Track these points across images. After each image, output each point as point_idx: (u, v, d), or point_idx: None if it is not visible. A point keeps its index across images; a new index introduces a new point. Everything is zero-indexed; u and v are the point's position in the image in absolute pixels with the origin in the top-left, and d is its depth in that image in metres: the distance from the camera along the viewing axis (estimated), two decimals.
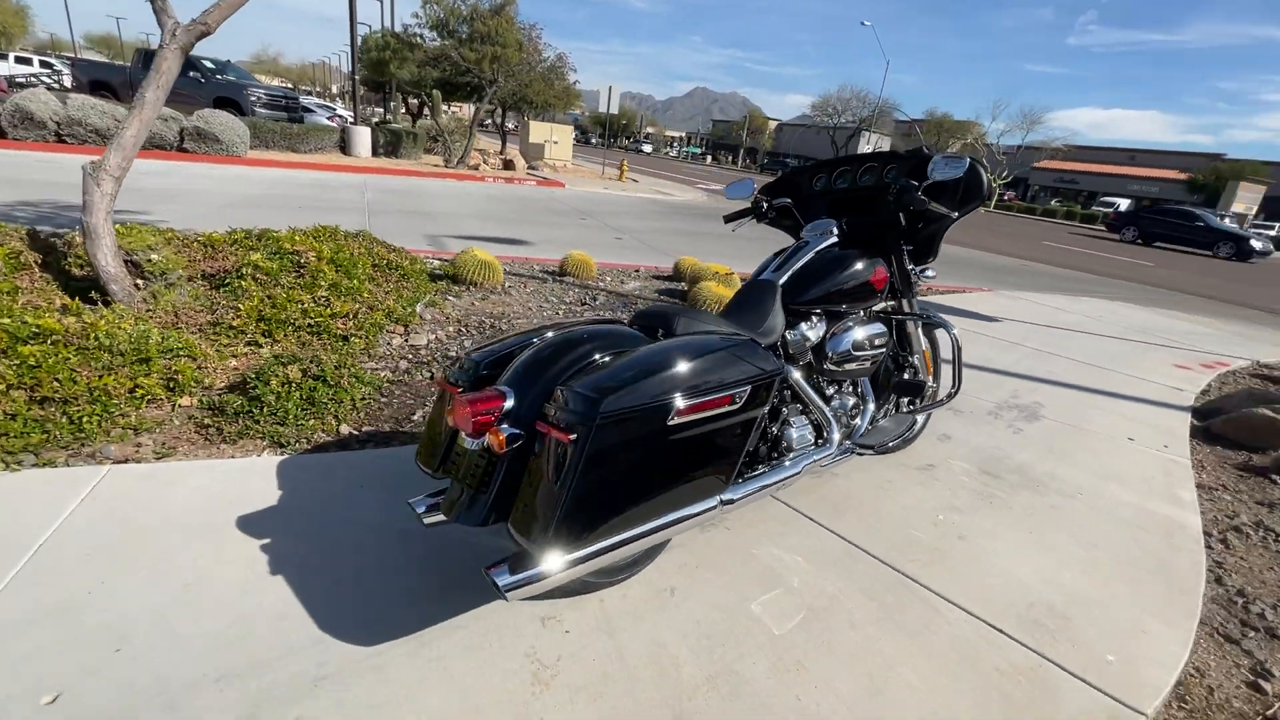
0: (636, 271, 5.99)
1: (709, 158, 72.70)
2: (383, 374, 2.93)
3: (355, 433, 2.43)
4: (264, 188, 8.72)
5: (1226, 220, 21.77)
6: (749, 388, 1.49)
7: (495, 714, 1.32)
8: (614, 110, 19.47)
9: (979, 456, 2.84)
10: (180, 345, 2.60)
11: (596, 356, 1.49)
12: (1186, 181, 41.99)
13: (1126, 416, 3.64)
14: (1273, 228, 28.38)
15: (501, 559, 1.34)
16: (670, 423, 1.34)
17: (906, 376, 2.46)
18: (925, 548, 2.10)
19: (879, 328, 2.20)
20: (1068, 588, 1.98)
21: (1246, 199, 32.09)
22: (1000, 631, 1.75)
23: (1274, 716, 1.64)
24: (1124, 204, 38.33)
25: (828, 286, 2.06)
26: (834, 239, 2.24)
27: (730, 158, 71.88)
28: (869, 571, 1.94)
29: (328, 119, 19.29)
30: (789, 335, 2.03)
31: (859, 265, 2.11)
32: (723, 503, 1.61)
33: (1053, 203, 43.86)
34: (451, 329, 3.66)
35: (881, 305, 2.38)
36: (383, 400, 2.71)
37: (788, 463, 1.91)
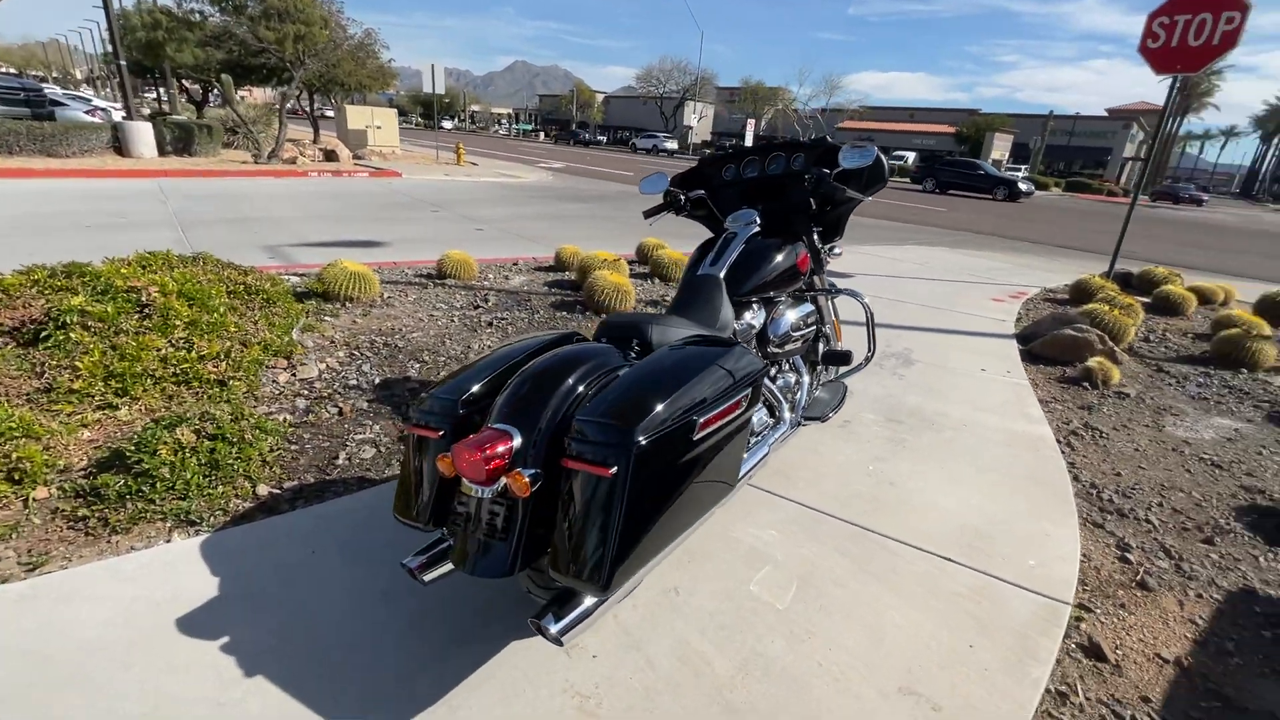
0: (516, 265, 5.81)
1: (542, 134, 71.12)
2: (282, 418, 2.60)
3: (277, 491, 2.15)
4: (28, 205, 7.12)
5: (997, 167, 25.97)
6: (750, 388, 1.55)
7: None
8: (439, 89, 18.36)
9: (881, 406, 3.20)
10: (12, 424, 2.10)
11: (591, 380, 1.46)
12: (955, 135, 49.03)
13: (973, 350, 4.28)
14: (1020, 170, 34.48)
15: (544, 607, 1.29)
16: (694, 437, 1.36)
17: (833, 347, 2.68)
18: (867, 499, 2.35)
19: (808, 307, 2.37)
20: (982, 510, 2.33)
21: (1001, 147, 38.32)
22: (949, 560, 2.02)
23: (1143, 580, 2.09)
24: (910, 156, 43.98)
25: (764, 275, 2.18)
26: (757, 228, 2.35)
27: (561, 134, 70.71)
28: (833, 530, 2.14)
29: (87, 113, 16.09)
30: (737, 326, 2.12)
31: (787, 251, 2.25)
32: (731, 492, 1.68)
33: None
34: (342, 354, 3.32)
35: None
36: (294, 448, 2.42)
37: (757, 446, 2.03)
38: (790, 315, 2.29)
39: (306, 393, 2.87)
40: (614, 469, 1.21)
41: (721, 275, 2.15)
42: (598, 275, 4.42)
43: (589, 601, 1.30)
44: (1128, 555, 2.22)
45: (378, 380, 3.07)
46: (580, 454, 1.25)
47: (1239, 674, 1.73)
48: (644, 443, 1.23)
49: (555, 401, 1.40)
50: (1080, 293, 5.92)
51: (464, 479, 1.35)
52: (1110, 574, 2.11)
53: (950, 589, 1.89)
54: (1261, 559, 2.26)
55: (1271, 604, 2.02)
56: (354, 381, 3.03)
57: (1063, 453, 2.90)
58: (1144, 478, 2.77)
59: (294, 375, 3.02)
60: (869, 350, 2.66)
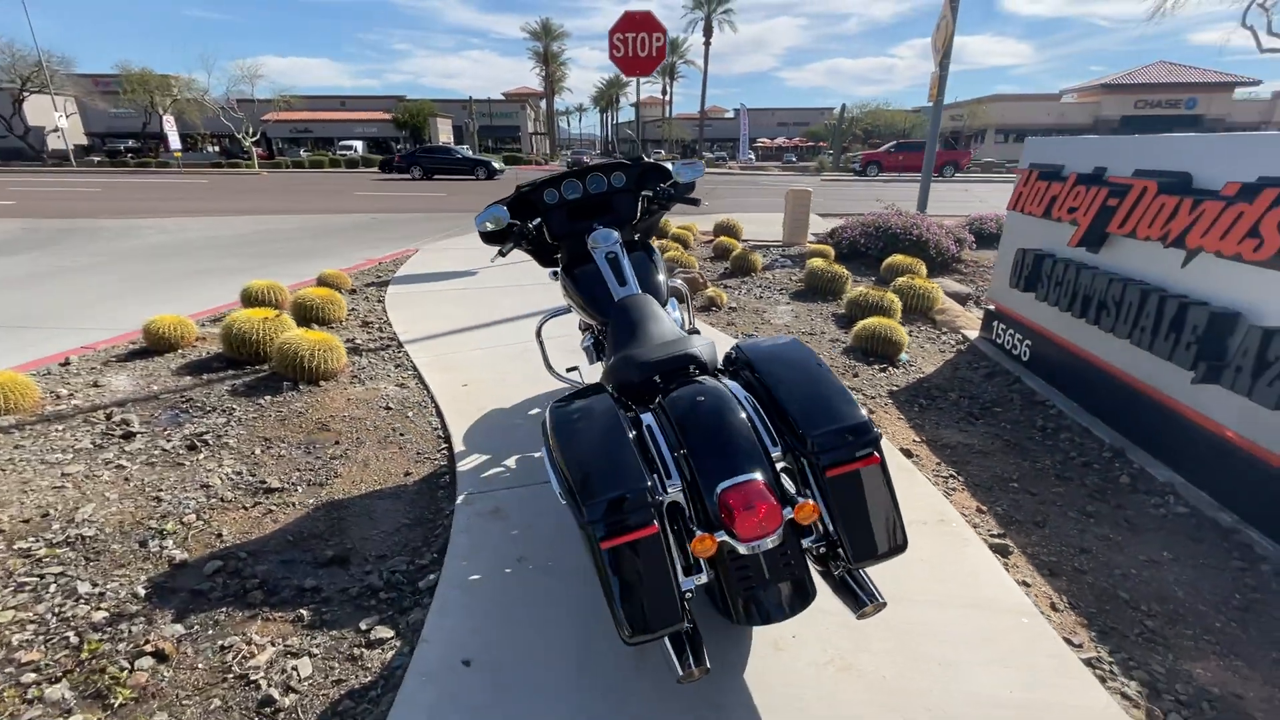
0: (87, 358, 3.89)
1: None
2: None
3: None
4: None
5: (468, 150, 28.44)
6: None
7: None
8: None
9: None
10: None
11: (732, 403, 1.60)
12: (394, 121, 50.81)
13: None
14: (464, 149, 38.83)
15: (852, 599, 1.50)
16: None
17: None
18: None
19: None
20: None
21: (445, 130, 42.03)
22: None
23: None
24: (359, 146, 43.79)
25: (663, 283, 2.50)
26: (620, 241, 2.59)
27: None
28: None
29: None
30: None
31: (658, 259, 2.60)
32: None
33: (301, 153, 45.58)
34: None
35: None
36: None
37: None
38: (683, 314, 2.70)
39: None
40: (878, 454, 1.50)
41: (641, 291, 2.37)
42: (291, 337, 3.55)
43: (870, 572, 1.57)
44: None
45: None
46: (842, 459, 1.47)
47: None
48: (874, 425, 1.57)
49: (746, 432, 1.53)
50: None
51: (740, 542, 1.39)
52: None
53: None
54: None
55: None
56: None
57: None
58: None
59: None
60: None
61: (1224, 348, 2.67)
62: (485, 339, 4.42)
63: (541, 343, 2.93)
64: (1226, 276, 2.72)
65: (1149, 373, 3.08)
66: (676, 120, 62.01)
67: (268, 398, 3.34)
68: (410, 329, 4.61)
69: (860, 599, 1.51)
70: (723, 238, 8.06)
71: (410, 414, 3.25)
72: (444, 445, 2.94)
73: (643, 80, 9.32)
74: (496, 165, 25.23)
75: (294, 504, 2.46)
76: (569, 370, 3.07)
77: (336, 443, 2.93)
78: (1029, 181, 4.26)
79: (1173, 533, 2.45)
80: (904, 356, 4.44)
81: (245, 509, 2.42)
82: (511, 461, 2.74)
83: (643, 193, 2.66)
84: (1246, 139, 2.92)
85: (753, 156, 44.58)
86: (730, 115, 67.37)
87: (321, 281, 5.58)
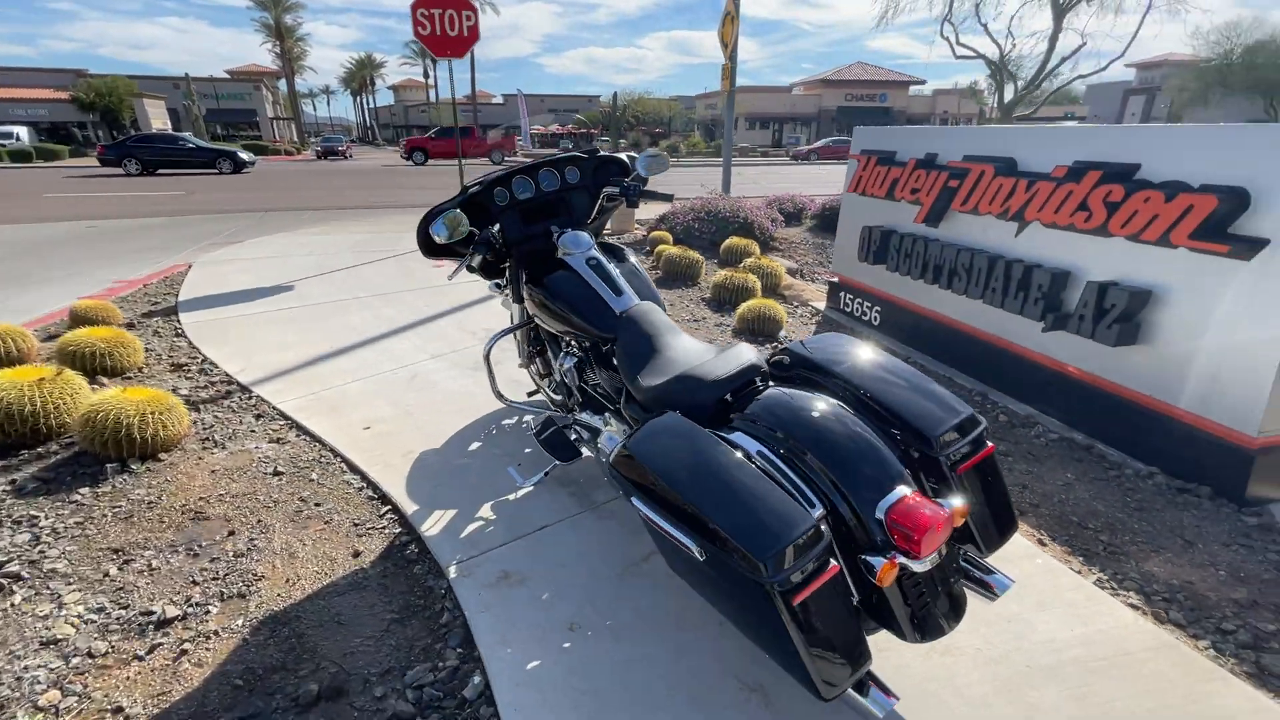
0: None
1: None
2: None
3: None
4: None
5: (194, 138, 23.18)
6: None
7: None
8: None
9: None
10: None
11: (855, 417, 1.52)
12: (74, 101, 40.10)
13: None
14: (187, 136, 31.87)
15: (983, 587, 1.52)
16: None
17: None
18: None
19: None
20: None
21: (157, 114, 34.24)
22: None
23: None
24: (20, 132, 33.91)
25: (654, 288, 2.28)
26: (595, 245, 2.30)
27: None
28: None
29: None
30: None
31: (635, 260, 2.37)
32: None
33: None
34: None
35: None
36: None
37: None
38: None
39: None
40: (991, 444, 1.53)
41: (640, 300, 2.15)
42: (104, 400, 2.57)
43: (987, 559, 1.60)
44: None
45: None
46: (966, 455, 1.47)
47: None
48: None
49: (877, 442, 1.45)
50: None
51: (916, 560, 1.31)
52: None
53: None
54: None
55: None
56: None
57: None
58: None
59: None
60: None
61: (1064, 301, 3.30)
62: (356, 367, 3.71)
63: (490, 366, 2.53)
64: (1057, 243, 3.34)
65: (1000, 327, 3.69)
66: (444, 105, 58.62)
67: (85, 490, 2.39)
68: (246, 367, 3.67)
69: (992, 585, 1.56)
70: None
71: (314, 476, 2.59)
72: (385, 508, 2.39)
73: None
74: (245, 156, 21.27)
75: (215, 632, 1.80)
76: (531, 395, 2.72)
77: (230, 534, 2.21)
78: (868, 166, 4.79)
79: (1062, 458, 2.98)
80: (783, 333, 4.75)
81: (139, 659, 1.70)
82: (486, 511, 2.33)
83: (605, 189, 2.40)
84: (1053, 132, 3.61)
85: (533, 144, 44.06)
86: (499, 101, 65.70)
87: (79, 318, 4.17)
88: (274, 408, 3.16)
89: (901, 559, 1.32)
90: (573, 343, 2.30)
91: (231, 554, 2.11)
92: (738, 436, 1.55)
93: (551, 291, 2.18)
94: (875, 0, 67.17)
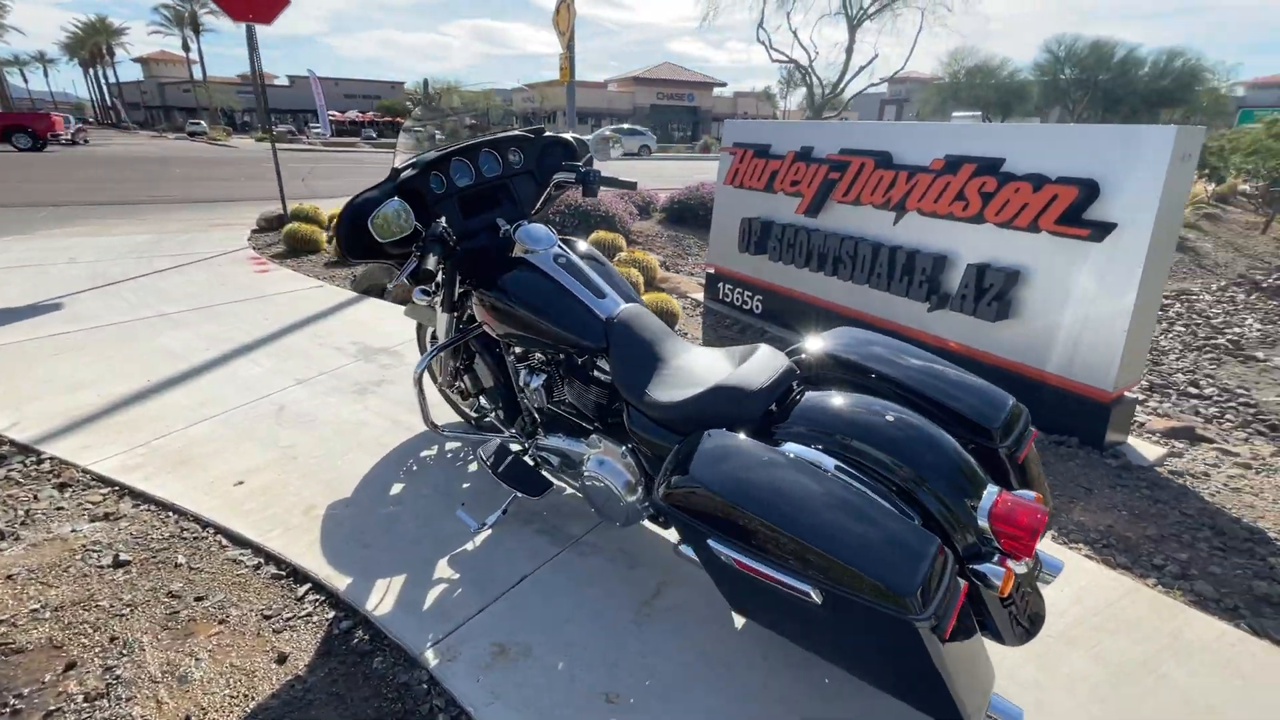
0: None
1: None
2: None
3: None
4: None
5: None
6: None
7: None
8: None
9: None
10: None
11: (908, 420, 1.42)
12: None
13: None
14: None
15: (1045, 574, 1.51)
16: None
17: None
18: None
19: None
20: None
21: None
22: None
23: None
24: None
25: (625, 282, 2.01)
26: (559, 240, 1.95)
27: None
28: None
29: None
30: None
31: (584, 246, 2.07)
32: None
33: None
34: None
35: None
36: None
37: None
38: None
39: None
40: (1035, 429, 1.52)
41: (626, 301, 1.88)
42: None
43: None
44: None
45: None
46: (1023, 442, 1.44)
47: None
48: None
49: (956, 444, 1.36)
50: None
51: (1021, 561, 1.25)
52: None
53: None
54: None
55: None
56: None
57: None
58: None
59: None
60: None
61: (944, 282, 3.63)
62: (196, 404, 2.89)
63: (422, 391, 2.07)
64: (933, 230, 3.67)
65: (887, 309, 3.97)
66: (214, 84, 50.41)
67: None
68: (20, 420, 2.67)
69: (1043, 570, 1.57)
70: None
71: (180, 559, 1.92)
72: (303, 587, 1.83)
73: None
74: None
75: None
76: (482, 419, 2.30)
77: (69, 667, 1.53)
78: (745, 159, 4.89)
79: None
80: (677, 327, 4.70)
81: None
82: (443, 569, 1.90)
83: (556, 176, 2.07)
84: (927, 128, 3.95)
85: (331, 131, 39.57)
86: (284, 82, 58.15)
87: None
88: (85, 471, 2.32)
89: (1010, 562, 1.25)
90: (538, 355, 1.95)
91: (81, 699, 1.45)
92: (792, 448, 1.39)
93: (514, 297, 1.82)
94: (697, 1, 73.81)
